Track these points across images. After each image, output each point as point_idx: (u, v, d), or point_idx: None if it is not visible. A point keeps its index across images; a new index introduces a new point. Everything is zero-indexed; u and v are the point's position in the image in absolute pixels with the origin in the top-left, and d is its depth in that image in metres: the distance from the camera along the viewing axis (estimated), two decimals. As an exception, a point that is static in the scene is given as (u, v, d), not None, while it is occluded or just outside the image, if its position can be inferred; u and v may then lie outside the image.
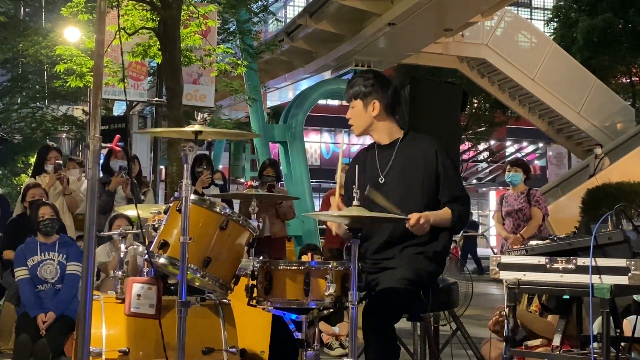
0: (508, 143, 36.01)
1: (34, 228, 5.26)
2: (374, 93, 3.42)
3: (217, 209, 3.14)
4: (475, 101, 23.83)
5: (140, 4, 9.22)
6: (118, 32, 8.18)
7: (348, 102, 3.50)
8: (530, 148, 36.46)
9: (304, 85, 21.24)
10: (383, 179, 3.39)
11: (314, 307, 3.03)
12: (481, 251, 21.60)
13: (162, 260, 3.08)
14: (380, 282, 3.21)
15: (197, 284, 3.22)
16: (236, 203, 7.23)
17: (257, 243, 6.16)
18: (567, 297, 3.61)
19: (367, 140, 3.71)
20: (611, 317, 3.19)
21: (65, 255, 5.16)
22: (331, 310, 3.08)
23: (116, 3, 8.17)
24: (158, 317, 3.42)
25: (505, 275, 3.36)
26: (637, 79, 22.71)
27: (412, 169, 3.36)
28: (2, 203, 7.10)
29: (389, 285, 3.16)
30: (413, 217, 3.17)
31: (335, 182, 7.40)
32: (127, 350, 3.37)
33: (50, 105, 19.22)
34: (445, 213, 3.31)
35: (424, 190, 3.34)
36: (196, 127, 3.08)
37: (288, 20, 21.89)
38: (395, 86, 3.52)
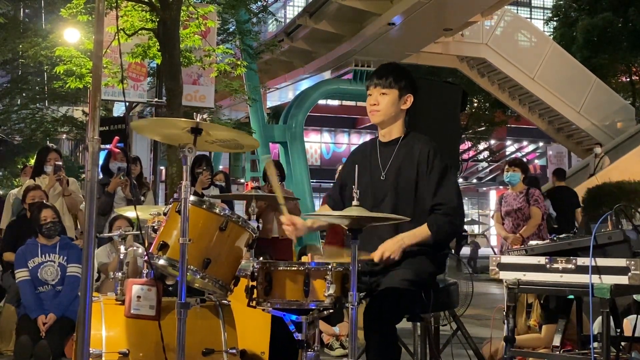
0: (508, 142, 36.03)
1: (35, 230, 5.26)
2: (412, 90, 3.44)
3: (217, 210, 3.13)
4: (475, 101, 23.83)
5: (140, 4, 9.22)
6: (117, 33, 8.17)
7: (381, 87, 3.40)
8: (531, 147, 36.49)
9: (304, 85, 21.25)
10: (384, 176, 3.39)
11: (314, 307, 3.03)
12: (482, 251, 21.61)
13: (161, 262, 3.08)
14: (382, 283, 3.21)
15: (197, 285, 3.21)
16: (239, 204, 7.21)
17: (263, 244, 6.16)
18: (571, 296, 3.60)
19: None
20: (611, 317, 3.19)
21: (65, 257, 5.16)
22: (331, 310, 3.08)
23: (115, 4, 8.18)
24: (158, 318, 3.42)
25: (505, 275, 3.36)
26: (637, 77, 22.71)
27: (406, 169, 3.35)
28: None
29: (390, 286, 3.16)
30: (376, 255, 3.17)
31: (334, 182, 7.40)
32: (127, 351, 3.37)
33: (50, 106, 19.23)
34: (421, 232, 3.23)
35: (416, 191, 3.32)
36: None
37: (287, 21, 21.90)
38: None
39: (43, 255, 5.12)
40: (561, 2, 23.62)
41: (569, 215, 9.96)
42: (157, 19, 9.07)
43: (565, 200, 9.94)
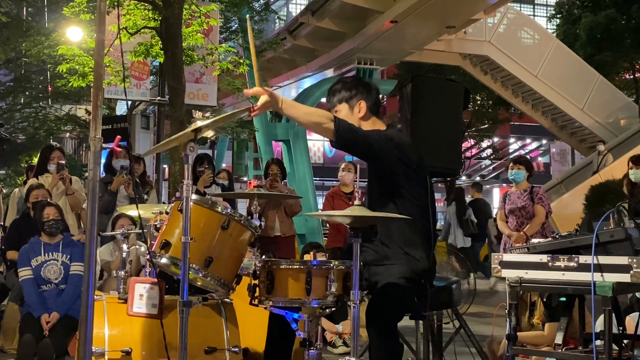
0: (511, 140, 35.97)
1: (38, 228, 5.26)
2: (359, 94, 3.43)
3: (219, 209, 3.14)
4: (479, 98, 23.77)
5: (142, 3, 9.22)
6: (118, 32, 8.18)
7: (332, 108, 3.46)
8: (534, 145, 36.42)
9: (307, 83, 21.24)
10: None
11: (316, 306, 3.03)
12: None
13: (163, 260, 3.09)
14: (380, 280, 3.20)
15: (199, 283, 3.22)
16: (242, 202, 7.22)
17: (266, 242, 6.16)
18: (563, 298, 3.62)
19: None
20: (614, 315, 3.19)
21: (69, 256, 5.16)
22: (333, 309, 3.09)
23: (117, 2, 8.18)
24: (160, 317, 3.42)
25: (507, 273, 3.36)
26: (641, 74, 22.65)
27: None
28: None
29: (389, 282, 3.16)
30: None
31: (337, 180, 7.41)
32: (130, 350, 3.38)
33: (53, 105, 19.28)
34: (317, 111, 3.19)
35: (378, 178, 3.34)
36: (197, 124, 3.05)
37: (290, 19, 21.89)
38: (376, 87, 3.55)
39: (46, 254, 5.13)
40: (564, -1, 23.58)
41: (484, 223, 11.54)
42: (160, 18, 9.08)
43: (481, 209, 11.67)
